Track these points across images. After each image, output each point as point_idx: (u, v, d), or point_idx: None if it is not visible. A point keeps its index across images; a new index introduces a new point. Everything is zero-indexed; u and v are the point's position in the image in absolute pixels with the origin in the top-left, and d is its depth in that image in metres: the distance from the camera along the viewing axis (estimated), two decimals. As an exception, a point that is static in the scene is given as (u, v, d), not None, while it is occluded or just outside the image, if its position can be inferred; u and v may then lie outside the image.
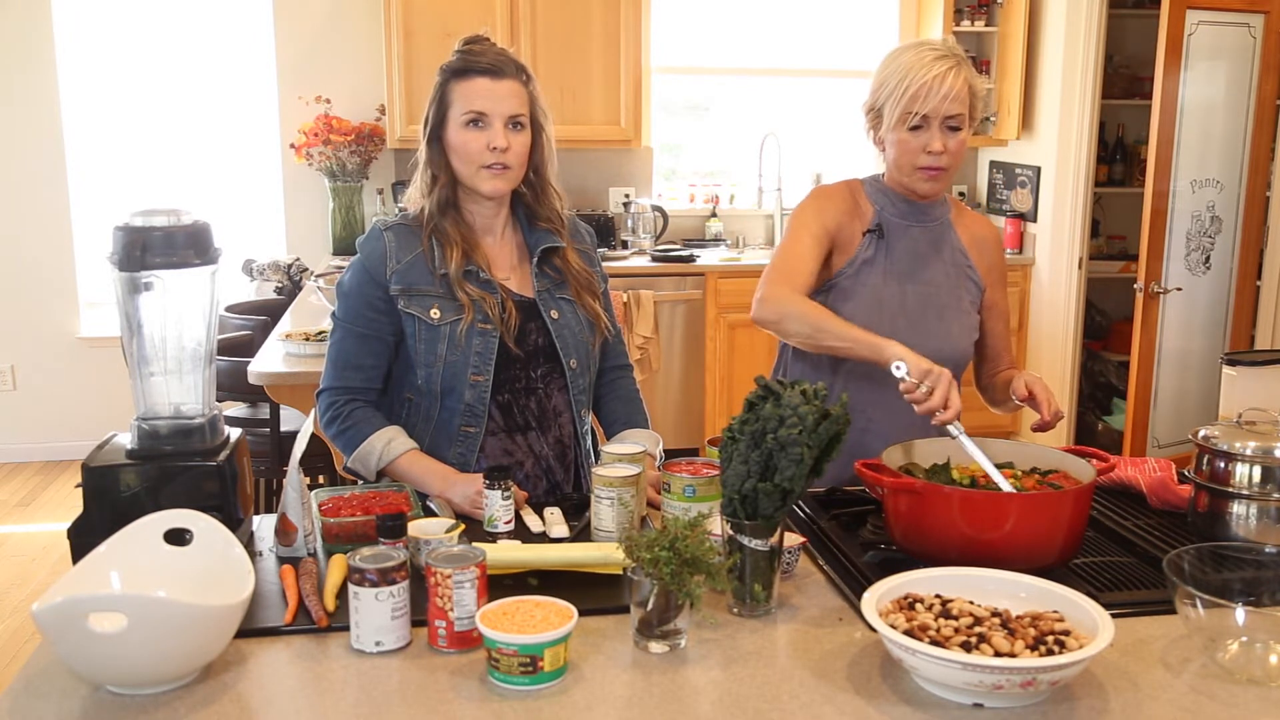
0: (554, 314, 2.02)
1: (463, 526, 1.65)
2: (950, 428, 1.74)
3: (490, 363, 1.95)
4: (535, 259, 2.03)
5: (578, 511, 1.86)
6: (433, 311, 1.94)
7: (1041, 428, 1.96)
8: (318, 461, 3.42)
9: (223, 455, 1.64)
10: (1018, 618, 1.31)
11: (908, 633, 1.27)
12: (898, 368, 1.79)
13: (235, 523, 1.60)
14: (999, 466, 1.71)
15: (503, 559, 1.54)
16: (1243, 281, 4.62)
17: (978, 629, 1.28)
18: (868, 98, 2.08)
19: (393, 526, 1.47)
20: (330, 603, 1.48)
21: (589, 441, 2.14)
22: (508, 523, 1.77)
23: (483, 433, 1.99)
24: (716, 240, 5.60)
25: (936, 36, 5.38)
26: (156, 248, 1.58)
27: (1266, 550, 1.48)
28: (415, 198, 2.02)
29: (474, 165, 1.93)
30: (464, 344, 1.94)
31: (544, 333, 2.01)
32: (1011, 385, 2.04)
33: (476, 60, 1.93)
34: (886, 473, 1.63)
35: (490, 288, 1.97)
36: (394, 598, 1.37)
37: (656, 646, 1.38)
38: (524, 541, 1.70)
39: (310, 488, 1.76)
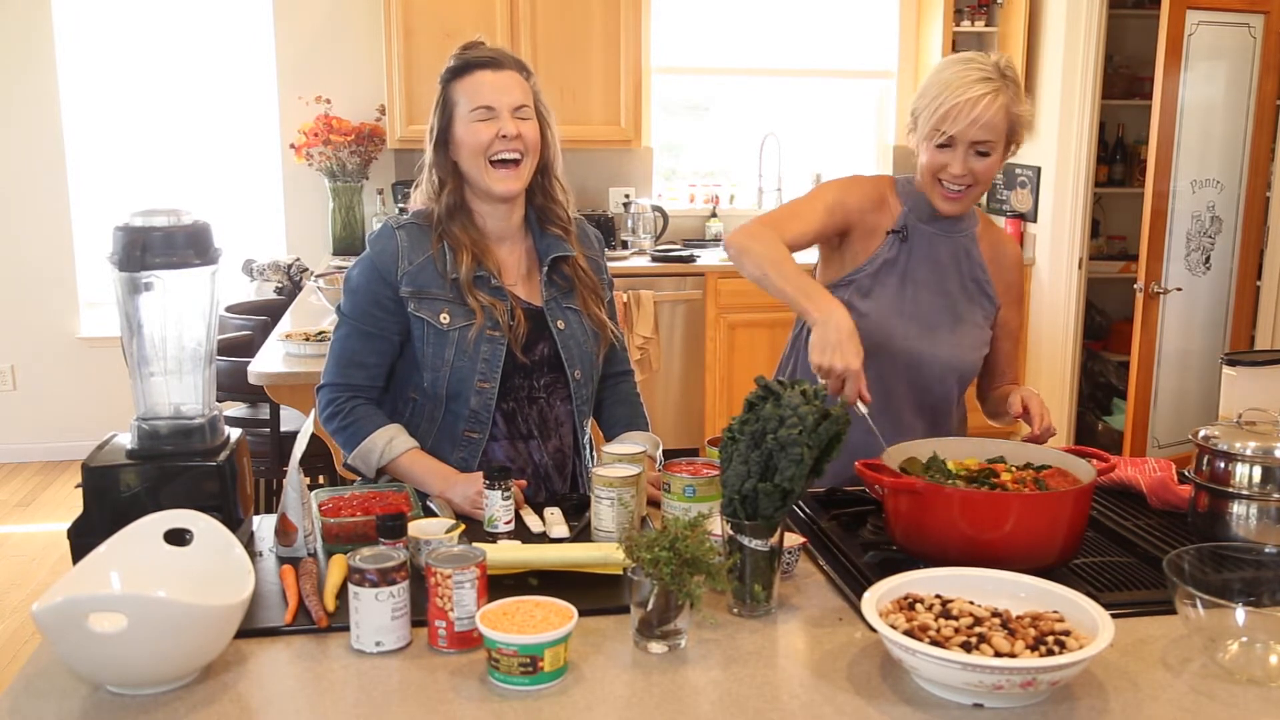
0: (560, 324, 2.02)
1: (463, 526, 1.65)
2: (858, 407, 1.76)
3: (497, 370, 1.95)
4: (545, 268, 2.02)
5: (578, 512, 1.86)
6: (442, 316, 1.93)
7: (1033, 440, 1.95)
8: (318, 461, 3.42)
9: (223, 455, 1.64)
10: (1018, 618, 1.31)
11: (908, 633, 1.27)
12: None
13: (235, 523, 1.60)
14: (992, 461, 1.71)
15: (503, 559, 1.54)
16: (1243, 281, 4.62)
17: (978, 629, 1.28)
18: (914, 100, 2.07)
19: (393, 526, 1.46)
20: (330, 603, 1.48)
21: (589, 452, 2.14)
22: (508, 523, 1.76)
23: (486, 438, 1.99)
24: (716, 240, 5.60)
25: (940, 39, 5.39)
26: (156, 248, 1.58)
27: (1266, 550, 1.48)
28: (418, 200, 2.02)
29: (483, 160, 1.92)
30: (472, 350, 1.93)
31: (550, 342, 2.01)
32: (1009, 399, 2.04)
33: (475, 56, 1.93)
34: (886, 473, 1.63)
35: (500, 294, 1.97)
36: (394, 598, 1.37)
37: (656, 646, 1.38)
38: (524, 541, 1.70)
39: (310, 488, 1.76)
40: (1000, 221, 5.54)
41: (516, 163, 1.93)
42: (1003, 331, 2.19)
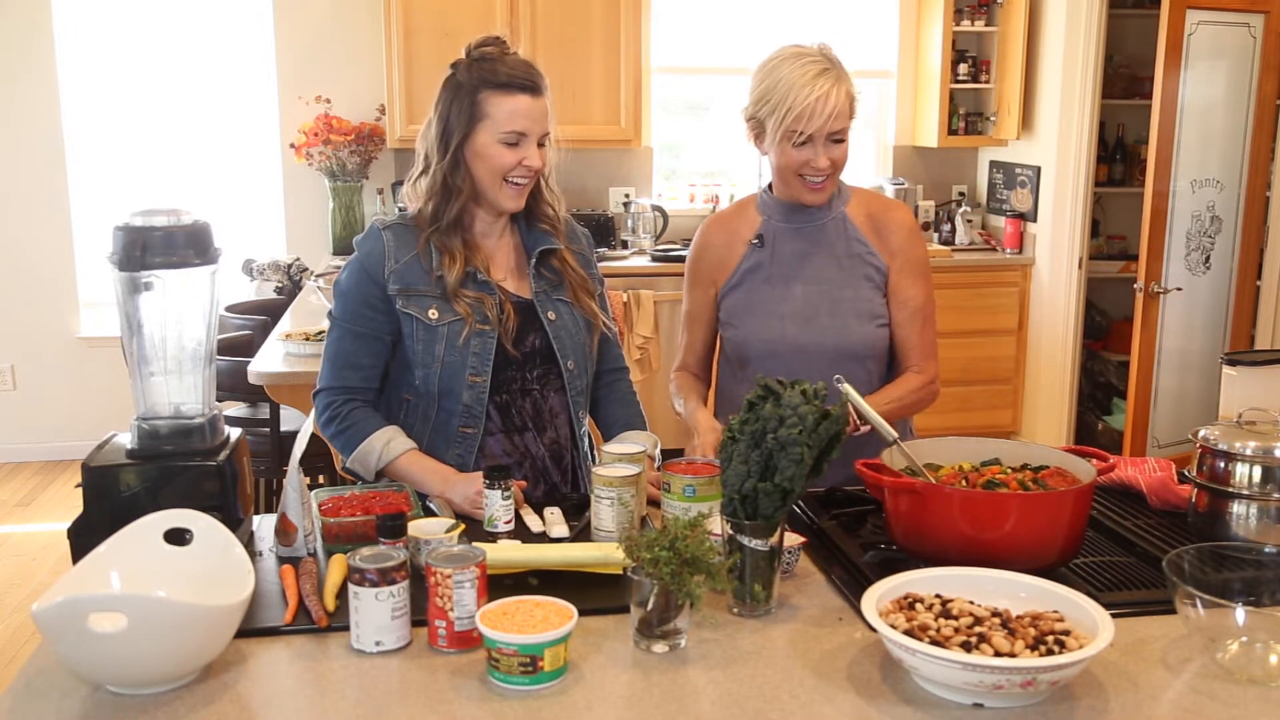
0: (551, 315, 2.02)
1: (463, 526, 1.65)
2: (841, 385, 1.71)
3: (488, 364, 1.95)
4: (533, 260, 2.03)
5: (578, 511, 1.86)
6: (431, 312, 1.94)
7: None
8: (318, 461, 3.42)
9: (223, 455, 1.64)
10: (1018, 618, 1.31)
11: (908, 633, 1.27)
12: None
13: (235, 523, 1.60)
14: (988, 463, 1.71)
15: (503, 559, 1.54)
16: (1243, 281, 4.62)
17: (978, 629, 1.28)
18: (748, 106, 2.07)
19: (393, 526, 1.46)
20: (330, 603, 1.48)
21: (586, 444, 2.14)
22: (508, 523, 1.76)
23: (481, 433, 1.99)
24: (716, 240, 5.59)
25: (941, 39, 5.39)
26: (156, 248, 1.58)
27: (1266, 550, 1.48)
28: (413, 196, 2.01)
29: (499, 179, 1.93)
30: (462, 345, 1.94)
31: (541, 334, 2.01)
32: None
33: (514, 75, 1.91)
34: (887, 473, 1.63)
35: (488, 288, 1.97)
36: (394, 598, 1.37)
37: (656, 646, 1.38)
38: (524, 541, 1.70)
39: (310, 488, 1.76)
40: (1000, 221, 5.54)
41: (527, 182, 1.96)
42: (895, 300, 2.11)
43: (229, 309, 4.11)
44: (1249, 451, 1.65)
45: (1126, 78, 5.54)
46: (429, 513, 1.81)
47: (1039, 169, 5.26)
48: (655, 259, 5.16)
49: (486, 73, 1.91)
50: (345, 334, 1.98)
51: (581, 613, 1.35)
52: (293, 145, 5.14)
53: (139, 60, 5.19)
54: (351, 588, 1.37)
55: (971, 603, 1.35)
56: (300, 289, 4.40)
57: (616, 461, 1.78)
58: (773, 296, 2.09)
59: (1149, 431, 4.48)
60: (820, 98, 1.96)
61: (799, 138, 1.99)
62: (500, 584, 1.50)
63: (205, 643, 1.29)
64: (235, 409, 3.76)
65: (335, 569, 1.55)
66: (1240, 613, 1.34)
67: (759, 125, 2.05)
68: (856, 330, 2.09)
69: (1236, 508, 1.67)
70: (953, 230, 5.59)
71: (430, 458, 1.95)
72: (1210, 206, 4.46)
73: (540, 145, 1.94)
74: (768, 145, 2.05)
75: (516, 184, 1.94)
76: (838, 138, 2.01)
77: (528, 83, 1.91)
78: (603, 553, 1.56)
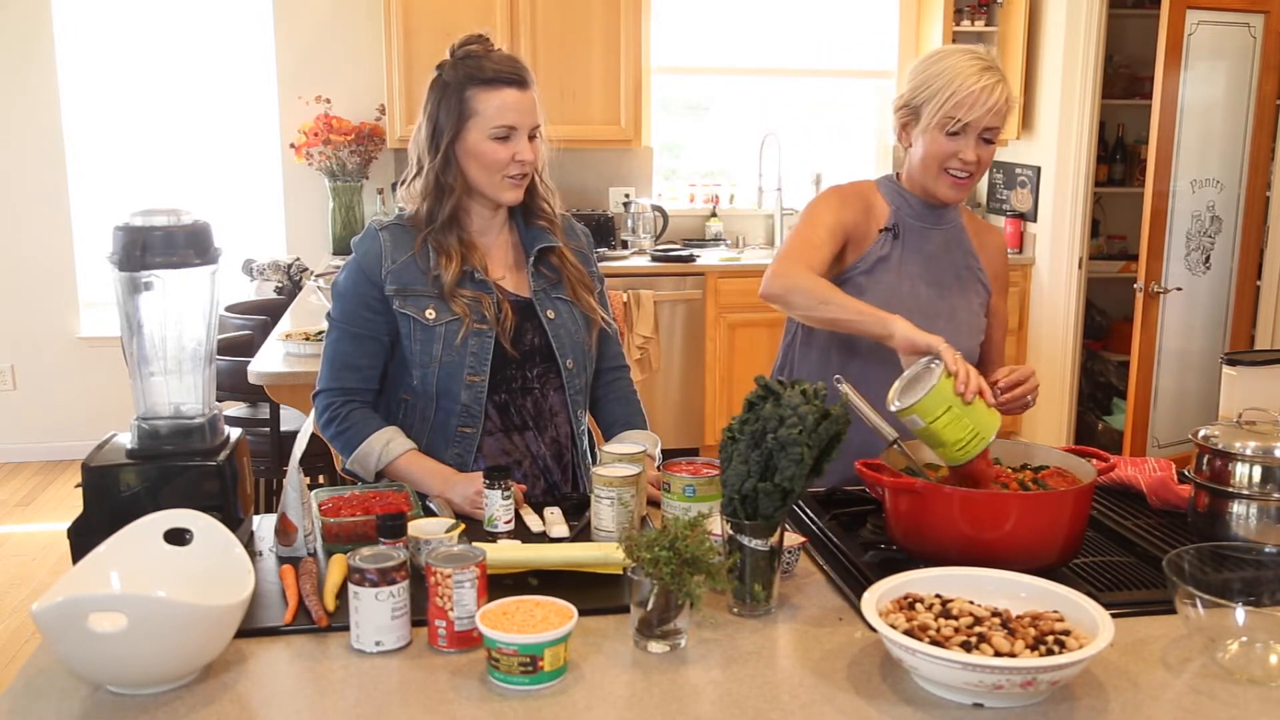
0: (550, 314, 2.02)
1: (463, 526, 1.65)
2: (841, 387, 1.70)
3: (486, 363, 1.95)
4: (532, 259, 2.03)
5: (578, 511, 1.86)
6: (428, 312, 1.94)
7: (1010, 392, 1.92)
8: (318, 461, 3.42)
9: (223, 455, 1.64)
10: (1018, 618, 1.31)
11: (908, 633, 1.27)
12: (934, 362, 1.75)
13: (235, 523, 1.60)
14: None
15: (503, 559, 1.54)
16: (1243, 281, 4.62)
17: (978, 629, 1.28)
18: (904, 94, 2.08)
19: (393, 526, 1.46)
20: (330, 603, 1.48)
21: (586, 442, 2.14)
22: (508, 523, 1.77)
23: (480, 433, 1.99)
24: (716, 240, 5.60)
25: (941, 39, 5.40)
26: (156, 248, 1.58)
27: (1266, 550, 1.48)
28: (407, 199, 2.01)
29: (497, 175, 1.93)
30: (460, 345, 1.94)
31: (540, 333, 2.01)
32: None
33: (500, 70, 1.91)
34: (887, 473, 1.63)
35: (485, 288, 1.97)
36: (394, 598, 1.37)
37: (656, 646, 1.38)
38: (524, 541, 1.70)
39: (310, 488, 1.76)
40: (1000, 221, 5.54)
41: (524, 176, 1.96)
42: (995, 320, 2.22)
43: (229, 309, 4.11)
44: (1249, 451, 1.65)
45: (1126, 78, 5.54)
46: (429, 513, 1.81)
47: (1039, 169, 5.26)
48: (655, 259, 5.16)
49: (472, 69, 1.91)
50: (343, 335, 1.98)
51: (581, 613, 1.35)
52: (293, 145, 5.14)
53: (139, 60, 5.19)
54: (351, 588, 1.37)
55: (971, 603, 1.35)
56: (300, 289, 4.40)
57: (616, 461, 1.78)
58: (902, 290, 2.09)
59: (1149, 431, 4.48)
60: (985, 89, 1.97)
61: (955, 124, 1.99)
62: (500, 584, 1.50)
63: (205, 643, 1.29)
64: (235, 409, 3.76)
65: (335, 569, 1.55)
66: (1240, 613, 1.34)
67: (912, 113, 2.06)
68: (967, 338, 2.12)
69: (1236, 508, 1.67)
70: (953, 230, 5.59)
71: (430, 458, 1.95)
72: (1210, 206, 4.46)
73: (531, 138, 1.95)
74: (918, 132, 2.06)
75: (512, 178, 1.95)
76: (989, 137, 2.03)
77: (514, 76, 1.92)
78: (603, 553, 1.56)
